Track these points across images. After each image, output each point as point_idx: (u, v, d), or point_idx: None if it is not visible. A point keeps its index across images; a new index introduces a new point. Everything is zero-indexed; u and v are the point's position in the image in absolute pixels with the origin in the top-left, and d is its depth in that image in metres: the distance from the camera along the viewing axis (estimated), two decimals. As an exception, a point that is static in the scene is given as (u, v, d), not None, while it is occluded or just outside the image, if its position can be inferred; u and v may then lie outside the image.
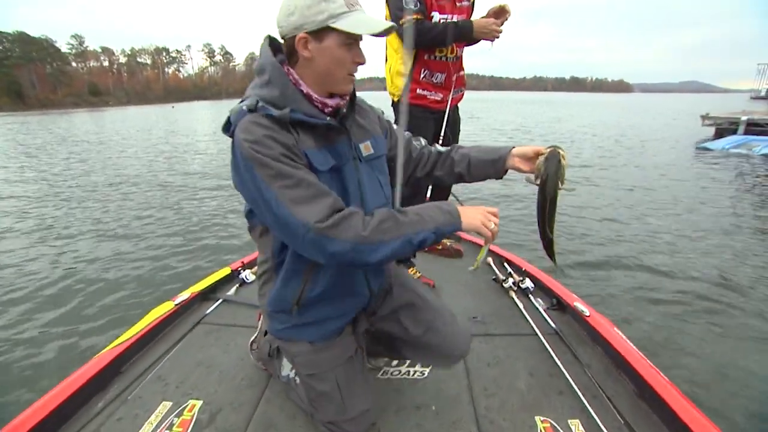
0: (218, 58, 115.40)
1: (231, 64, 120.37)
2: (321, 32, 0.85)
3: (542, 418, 1.22)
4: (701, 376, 2.24)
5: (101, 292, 3.32)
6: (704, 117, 14.37)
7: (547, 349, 1.52)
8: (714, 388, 2.14)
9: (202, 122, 24.89)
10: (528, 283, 1.99)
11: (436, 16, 1.84)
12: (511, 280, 2.02)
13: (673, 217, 5.22)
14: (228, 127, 0.89)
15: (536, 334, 1.62)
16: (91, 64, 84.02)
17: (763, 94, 18.90)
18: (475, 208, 0.92)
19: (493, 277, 2.12)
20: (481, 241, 2.36)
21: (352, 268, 0.95)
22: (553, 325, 1.69)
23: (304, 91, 0.90)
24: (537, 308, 1.83)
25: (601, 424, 1.17)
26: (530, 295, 1.93)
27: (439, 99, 2.01)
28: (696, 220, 5.09)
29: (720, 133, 13.43)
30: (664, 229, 4.76)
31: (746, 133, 12.58)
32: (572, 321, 1.75)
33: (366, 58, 0.92)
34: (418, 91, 1.97)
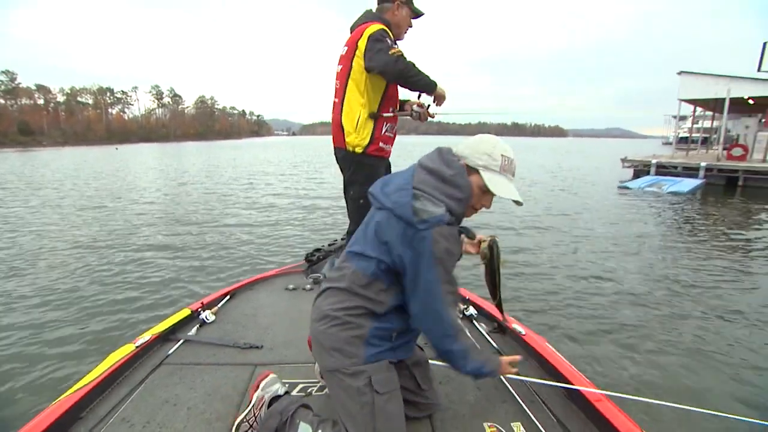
0: (167, 100, 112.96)
1: (180, 106, 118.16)
2: (474, 170, 1.16)
3: (489, 424, 1.39)
4: (618, 377, 2.66)
5: (56, 339, 3.18)
6: (623, 160, 16.25)
7: None
8: (630, 385, 2.56)
9: (151, 167, 23.91)
10: (472, 311, 2.20)
11: None
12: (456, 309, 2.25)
13: (600, 248, 5.84)
14: (417, 215, 1.06)
15: None
16: (23, 102, 78.78)
17: (670, 140, 22.01)
18: (509, 370, 1.28)
19: None
20: None
21: (442, 353, 1.19)
22: (495, 345, 1.89)
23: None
24: (481, 332, 2.02)
25: (538, 424, 1.37)
26: (474, 321, 2.13)
27: (390, 149, 2.24)
28: (616, 248, 5.75)
29: (637, 174, 15.22)
30: (595, 259, 5.32)
31: (657, 173, 14.37)
32: (511, 341, 1.96)
33: (491, 206, 1.24)
34: (381, 144, 2.13)
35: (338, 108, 2.10)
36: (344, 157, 2.16)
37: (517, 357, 1.33)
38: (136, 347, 1.78)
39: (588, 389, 1.46)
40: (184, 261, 5.25)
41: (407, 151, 28.28)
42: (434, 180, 1.12)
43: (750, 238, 6.66)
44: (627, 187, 12.35)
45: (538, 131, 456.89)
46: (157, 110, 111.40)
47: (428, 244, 1.05)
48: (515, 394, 1.52)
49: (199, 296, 2.65)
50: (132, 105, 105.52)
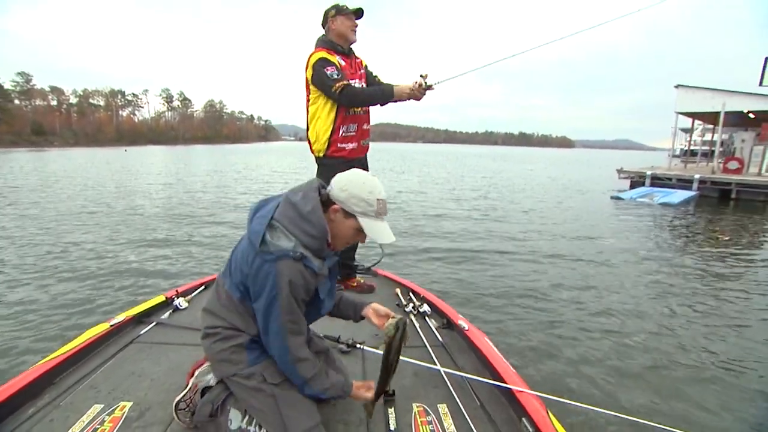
0: (176, 103, 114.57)
1: (189, 110, 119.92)
2: (350, 215, 1.19)
3: (417, 404, 1.52)
4: (545, 370, 2.88)
5: (34, 313, 3.48)
6: (620, 171, 16.36)
7: (432, 357, 1.82)
8: (551, 377, 2.79)
9: (156, 169, 24.23)
10: (425, 308, 2.32)
11: (354, 83, 2.32)
12: (411, 305, 2.37)
13: (576, 254, 6.01)
14: (265, 245, 1.12)
15: (425, 346, 1.93)
16: (36, 103, 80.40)
17: (677, 153, 22.17)
18: (363, 394, 1.34)
19: (398, 302, 2.48)
20: (393, 275, 2.92)
21: (286, 374, 1.25)
22: (440, 339, 2.02)
23: (328, 241, 1.21)
24: (430, 327, 2.16)
25: (461, 406, 1.49)
26: (426, 317, 2.26)
27: (354, 147, 2.45)
28: (592, 255, 5.91)
29: (633, 185, 15.33)
30: (569, 266, 5.50)
31: (651, 185, 14.48)
32: (455, 335, 2.10)
33: (365, 242, 1.29)
34: (339, 144, 2.39)
35: (307, 126, 2.48)
36: (315, 161, 2.52)
37: (371, 382, 1.36)
38: (111, 326, 1.92)
39: (512, 378, 1.60)
40: (165, 254, 5.52)
41: (410, 159, 28.48)
42: (293, 213, 1.16)
43: (734, 250, 6.77)
44: (619, 198, 12.47)
45: (545, 141, 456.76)
46: (166, 113, 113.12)
47: (271, 275, 1.11)
48: (448, 381, 1.65)
49: (175, 286, 2.86)
50: (142, 107, 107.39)
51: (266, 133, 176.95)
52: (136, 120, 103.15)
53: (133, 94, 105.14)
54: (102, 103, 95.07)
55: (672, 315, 3.87)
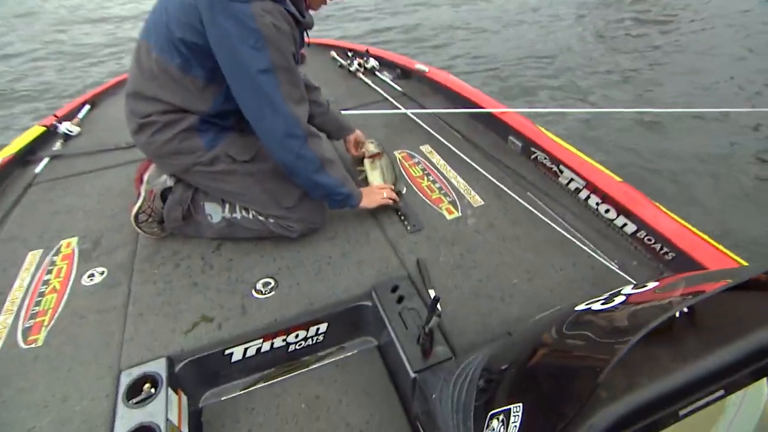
0: None
1: None
2: None
3: (399, 151, 1.52)
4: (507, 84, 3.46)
5: None
6: None
7: (397, 106, 1.77)
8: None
9: None
10: (372, 62, 2.14)
11: None
12: (356, 63, 2.14)
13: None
14: None
15: (387, 99, 1.85)
16: None
17: None
18: (372, 191, 1.20)
19: (339, 64, 2.22)
20: (322, 40, 2.69)
21: (292, 173, 1.03)
22: (399, 89, 1.92)
23: None
24: (385, 80, 2.02)
25: (444, 141, 1.51)
26: (377, 72, 2.10)
27: None
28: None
29: None
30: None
31: None
32: (416, 82, 2.00)
33: None
34: None
35: None
36: None
37: (388, 187, 1.25)
38: None
39: (483, 101, 1.58)
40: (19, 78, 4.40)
41: None
42: None
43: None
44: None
45: None
46: None
47: (247, 21, 0.83)
48: (421, 123, 1.62)
49: (50, 112, 2.27)
50: None
51: None
52: None
53: None
54: None
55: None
